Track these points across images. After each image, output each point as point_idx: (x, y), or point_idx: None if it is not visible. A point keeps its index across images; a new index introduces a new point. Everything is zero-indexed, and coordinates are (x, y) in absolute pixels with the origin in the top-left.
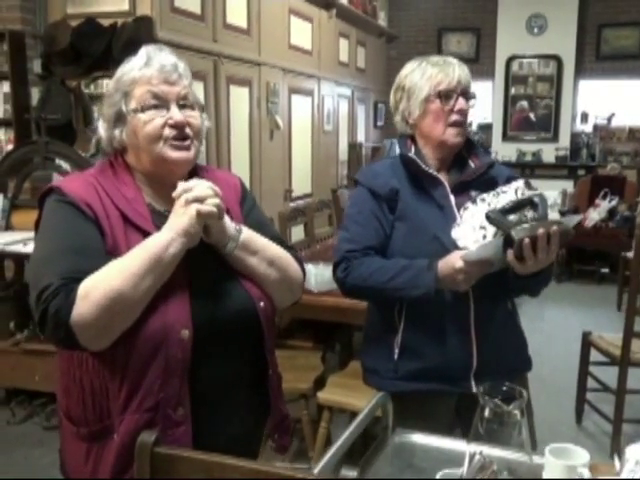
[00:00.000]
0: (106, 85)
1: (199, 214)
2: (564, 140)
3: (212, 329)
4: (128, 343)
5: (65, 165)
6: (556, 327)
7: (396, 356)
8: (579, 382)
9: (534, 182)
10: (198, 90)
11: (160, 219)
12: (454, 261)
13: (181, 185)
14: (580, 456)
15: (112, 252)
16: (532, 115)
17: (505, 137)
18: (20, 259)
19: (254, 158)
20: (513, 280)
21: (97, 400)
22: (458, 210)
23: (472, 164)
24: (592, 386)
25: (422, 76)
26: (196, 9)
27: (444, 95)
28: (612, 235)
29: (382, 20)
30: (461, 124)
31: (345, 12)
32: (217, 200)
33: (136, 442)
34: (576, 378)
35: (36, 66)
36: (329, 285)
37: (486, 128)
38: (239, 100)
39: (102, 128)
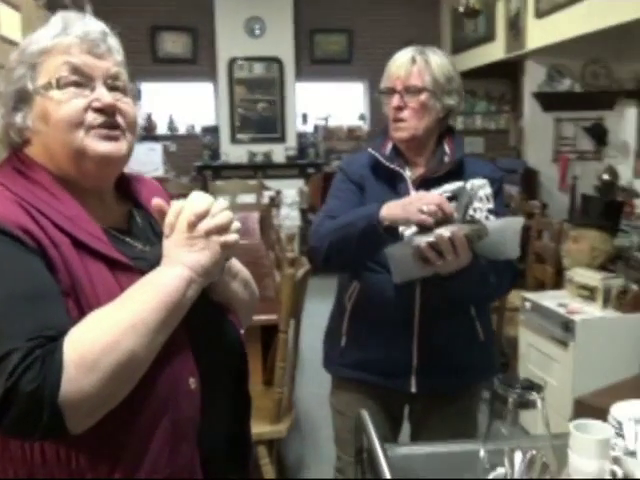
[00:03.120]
0: None
1: (225, 247)
2: (291, 140)
3: (215, 371)
4: (126, 411)
5: None
6: None
7: (343, 343)
8: None
9: (268, 182)
10: None
11: (115, 241)
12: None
13: (190, 207)
14: (605, 431)
15: (70, 292)
16: (259, 116)
17: (234, 139)
18: None
19: None
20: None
21: None
22: None
23: (447, 159)
24: None
25: (384, 72)
26: None
27: (385, 92)
28: None
29: (90, 14)
30: (400, 120)
31: (53, 1)
32: (238, 224)
33: None
34: None
35: None
36: None
37: (213, 131)
38: None
39: None
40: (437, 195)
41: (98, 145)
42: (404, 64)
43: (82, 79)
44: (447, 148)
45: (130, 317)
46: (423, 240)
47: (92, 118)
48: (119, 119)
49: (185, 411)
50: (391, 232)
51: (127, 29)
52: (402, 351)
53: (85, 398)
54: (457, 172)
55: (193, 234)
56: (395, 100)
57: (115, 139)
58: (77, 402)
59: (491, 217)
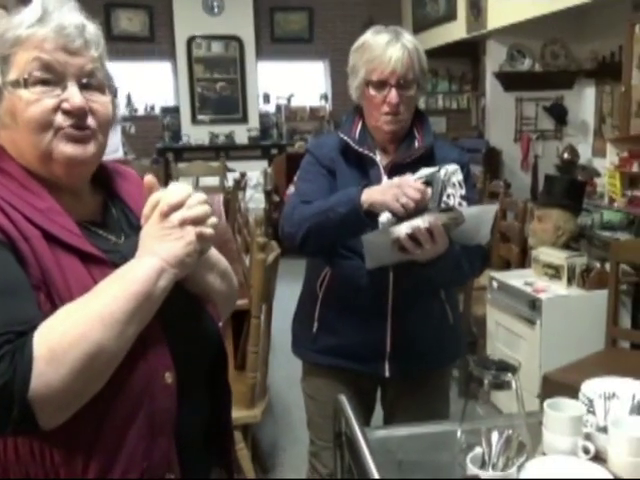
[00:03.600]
0: None
1: (200, 239)
2: (254, 121)
3: (192, 364)
4: (100, 405)
5: None
6: None
7: (315, 329)
8: None
9: (230, 164)
10: None
11: (88, 234)
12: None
13: (168, 197)
14: (577, 408)
15: (41, 286)
16: (219, 96)
17: (195, 120)
18: None
19: None
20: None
21: None
22: None
23: (417, 144)
24: None
25: (361, 58)
26: None
27: (376, 85)
28: None
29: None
30: (395, 114)
31: None
32: (215, 219)
33: None
34: None
35: None
36: None
37: (173, 111)
38: None
39: None
40: (418, 185)
41: (65, 148)
42: (400, 59)
43: (53, 77)
44: (416, 132)
45: (99, 309)
46: (402, 231)
47: (61, 120)
48: (90, 120)
49: (161, 406)
50: (371, 217)
51: (80, 6)
52: (375, 336)
53: (54, 393)
54: (427, 156)
55: (166, 224)
56: (394, 96)
57: (84, 141)
58: (47, 397)
59: (464, 203)
